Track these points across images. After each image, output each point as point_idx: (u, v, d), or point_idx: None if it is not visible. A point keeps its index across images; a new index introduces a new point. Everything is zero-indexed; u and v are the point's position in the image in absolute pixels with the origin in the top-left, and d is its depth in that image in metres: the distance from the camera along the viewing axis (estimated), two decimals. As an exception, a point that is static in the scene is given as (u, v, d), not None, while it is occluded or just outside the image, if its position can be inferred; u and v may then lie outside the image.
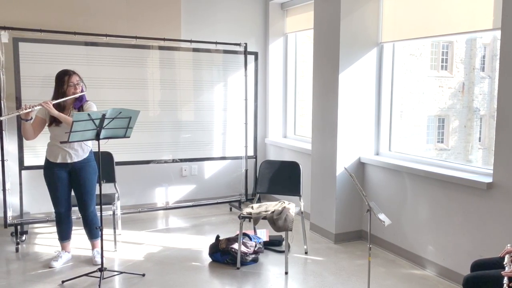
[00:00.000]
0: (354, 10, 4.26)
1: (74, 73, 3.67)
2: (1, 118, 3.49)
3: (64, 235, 3.90)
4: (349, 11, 4.24)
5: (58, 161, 3.67)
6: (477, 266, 2.58)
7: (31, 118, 3.58)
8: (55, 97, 3.63)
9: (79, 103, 3.70)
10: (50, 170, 3.71)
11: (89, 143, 3.79)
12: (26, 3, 4.71)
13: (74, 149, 3.68)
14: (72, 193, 3.84)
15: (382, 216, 2.86)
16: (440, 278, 3.63)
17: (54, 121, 3.62)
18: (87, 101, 3.75)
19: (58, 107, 3.59)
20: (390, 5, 4.25)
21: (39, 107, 3.49)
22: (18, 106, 4.31)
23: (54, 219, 3.89)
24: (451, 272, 3.55)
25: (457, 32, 3.64)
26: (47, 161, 3.74)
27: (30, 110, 3.45)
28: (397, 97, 4.50)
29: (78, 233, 4.28)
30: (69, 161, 3.68)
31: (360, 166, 4.45)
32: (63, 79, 3.61)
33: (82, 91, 3.70)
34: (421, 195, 3.83)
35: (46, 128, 3.73)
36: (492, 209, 3.22)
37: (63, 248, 3.94)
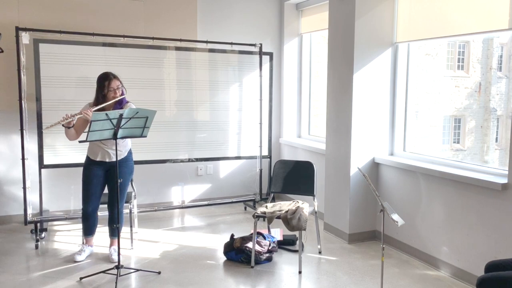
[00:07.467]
0: (369, 10, 4.26)
1: (114, 77, 3.77)
2: (45, 129, 3.69)
3: (89, 231, 4.00)
4: (364, 11, 4.24)
5: (98, 159, 3.81)
6: (491, 267, 2.57)
7: (73, 125, 3.73)
8: (96, 99, 3.77)
9: (119, 106, 3.80)
10: (89, 166, 3.86)
11: (129, 143, 3.91)
12: (46, 6, 4.80)
13: (114, 149, 3.75)
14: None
15: (395, 216, 2.86)
16: (454, 279, 3.62)
17: None
18: (127, 102, 3.86)
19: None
20: (405, 5, 4.24)
21: (80, 115, 3.64)
22: (39, 106, 4.41)
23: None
24: (465, 273, 3.54)
25: (473, 32, 3.61)
26: (87, 158, 3.89)
27: (71, 119, 3.62)
28: (413, 97, 4.48)
29: (96, 231, 4.35)
30: (107, 160, 3.82)
31: (374, 166, 4.45)
32: (103, 83, 3.73)
33: (122, 94, 3.80)
34: (435, 196, 3.82)
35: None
36: (507, 210, 3.20)
37: (86, 242, 4.03)
